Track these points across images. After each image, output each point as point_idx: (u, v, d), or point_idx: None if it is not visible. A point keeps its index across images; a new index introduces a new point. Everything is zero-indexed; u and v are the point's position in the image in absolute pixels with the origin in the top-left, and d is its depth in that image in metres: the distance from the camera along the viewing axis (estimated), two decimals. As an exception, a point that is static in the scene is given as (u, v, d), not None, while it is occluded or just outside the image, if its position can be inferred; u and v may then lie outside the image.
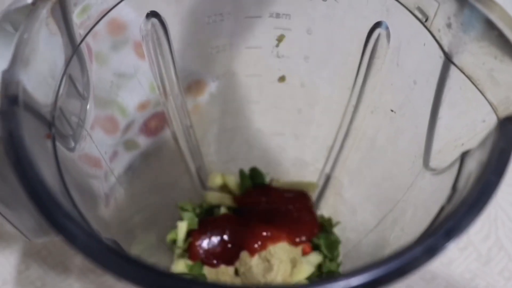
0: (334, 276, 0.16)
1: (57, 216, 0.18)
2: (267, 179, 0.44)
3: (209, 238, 0.40)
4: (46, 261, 0.43)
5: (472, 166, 0.22)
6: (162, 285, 0.17)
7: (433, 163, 0.29)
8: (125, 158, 0.40)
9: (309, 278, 0.40)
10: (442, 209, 0.22)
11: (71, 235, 0.18)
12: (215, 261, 0.40)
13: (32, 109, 0.22)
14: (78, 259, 0.43)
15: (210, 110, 0.42)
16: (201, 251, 0.40)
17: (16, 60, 0.21)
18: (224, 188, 0.44)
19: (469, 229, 0.17)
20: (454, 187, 0.23)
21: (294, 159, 0.44)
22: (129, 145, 0.41)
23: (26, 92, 0.21)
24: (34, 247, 0.44)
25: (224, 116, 0.42)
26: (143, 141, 0.41)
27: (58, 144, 0.24)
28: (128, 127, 0.40)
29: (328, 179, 0.43)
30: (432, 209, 0.23)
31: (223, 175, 0.44)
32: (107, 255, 0.17)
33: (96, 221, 0.26)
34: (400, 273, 0.16)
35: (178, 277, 0.17)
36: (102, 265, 0.17)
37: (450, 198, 0.22)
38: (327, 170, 0.42)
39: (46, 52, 0.24)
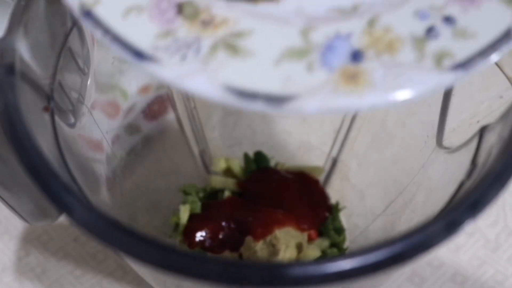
0: (354, 251, 0.15)
1: (55, 188, 0.17)
2: (272, 163, 0.44)
3: (212, 223, 0.39)
4: (46, 247, 0.42)
5: (493, 140, 0.21)
6: (167, 260, 0.16)
7: (447, 141, 0.28)
8: (127, 142, 0.39)
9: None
10: (461, 185, 0.21)
11: (70, 208, 0.17)
12: (218, 247, 0.39)
13: (29, 79, 0.21)
14: (78, 245, 0.42)
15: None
16: (203, 237, 0.39)
17: (12, 27, 0.20)
18: (228, 172, 0.43)
19: (495, 202, 0.16)
20: (473, 162, 0.22)
21: (299, 142, 0.43)
22: (131, 128, 0.40)
23: (23, 61, 0.20)
24: (34, 233, 0.43)
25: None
26: (145, 125, 0.41)
27: (57, 118, 0.23)
28: (129, 110, 0.39)
29: (335, 163, 0.42)
30: (449, 186, 0.23)
31: (227, 159, 0.43)
32: (108, 229, 0.16)
33: (99, 204, 0.25)
34: (423, 247, 0.15)
35: (184, 252, 0.16)
36: (102, 239, 0.16)
37: (470, 173, 0.21)
38: (334, 153, 0.42)
39: (45, 22, 0.23)
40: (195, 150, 0.42)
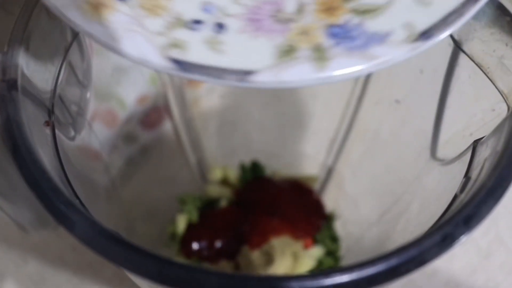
0: (350, 265, 0.16)
1: (57, 203, 0.17)
2: (268, 172, 0.44)
3: (209, 232, 0.40)
4: (44, 256, 0.42)
5: (486, 153, 0.22)
6: (167, 274, 0.16)
7: (440, 153, 0.29)
8: (124, 151, 0.39)
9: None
10: (454, 197, 0.22)
11: (72, 223, 0.17)
12: (215, 256, 0.39)
13: (31, 95, 0.21)
14: (76, 254, 0.43)
15: (210, 102, 0.41)
16: (200, 246, 0.39)
17: (14, 43, 0.21)
18: (224, 181, 0.43)
19: (487, 216, 0.16)
20: (467, 175, 0.22)
21: (295, 151, 0.43)
22: (128, 138, 0.40)
23: (25, 76, 0.21)
24: (32, 242, 0.43)
25: (224, 109, 0.42)
26: (143, 135, 0.41)
27: (57, 132, 0.23)
28: (127, 120, 0.39)
29: (329, 172, 0.42)
30: (443, 198, 0.23)
31: (223, 168, 0.43)
32: (110, 244, 0.17)
33: (96, 214, 0.25)
34: (418, 261, 0.16)
35: (184, 266, 0.17)
36: (104, 254, 0.17)
37: (463, 186, 0.21)
38: (329, 163, 0.42)
39: (45, 37, 0.23)
40: (192, 159, 0.42)
